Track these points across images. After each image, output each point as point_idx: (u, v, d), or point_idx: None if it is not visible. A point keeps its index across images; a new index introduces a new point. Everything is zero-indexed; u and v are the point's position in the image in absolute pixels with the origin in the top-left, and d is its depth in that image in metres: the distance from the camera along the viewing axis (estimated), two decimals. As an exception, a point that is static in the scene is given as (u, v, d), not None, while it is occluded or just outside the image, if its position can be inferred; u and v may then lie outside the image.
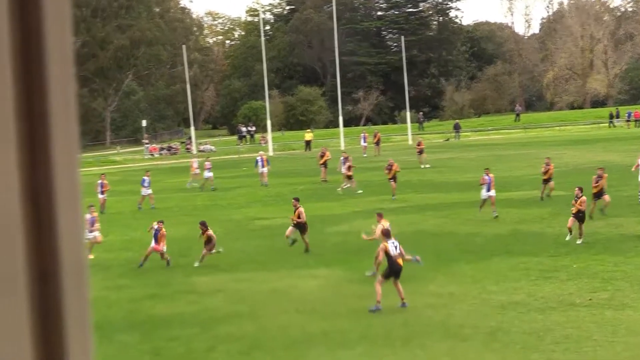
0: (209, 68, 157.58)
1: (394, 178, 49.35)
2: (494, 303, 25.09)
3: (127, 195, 57.63)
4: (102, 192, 50.43)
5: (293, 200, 36.81)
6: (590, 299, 24.89)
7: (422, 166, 66.76)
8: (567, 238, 33.17)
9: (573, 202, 33.44)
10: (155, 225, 33.81)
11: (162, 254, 33.41)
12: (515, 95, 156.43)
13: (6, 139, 1.27)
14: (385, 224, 29.31)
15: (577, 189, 33.85)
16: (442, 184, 53.84)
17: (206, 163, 61.40)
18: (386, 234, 25.99)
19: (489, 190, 40.94)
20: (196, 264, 32.55)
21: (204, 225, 33.80)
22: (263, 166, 61.36)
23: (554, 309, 24.11)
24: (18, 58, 1.29)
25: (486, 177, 41.49)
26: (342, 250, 34.59)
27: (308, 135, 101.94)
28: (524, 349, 20.53)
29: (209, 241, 33.32)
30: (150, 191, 52.37)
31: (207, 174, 60.70)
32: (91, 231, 35.44)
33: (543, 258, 30.87)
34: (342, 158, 56.78)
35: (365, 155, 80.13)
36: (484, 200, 40.95)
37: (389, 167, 49.58)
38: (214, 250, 33.31)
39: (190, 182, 63.67)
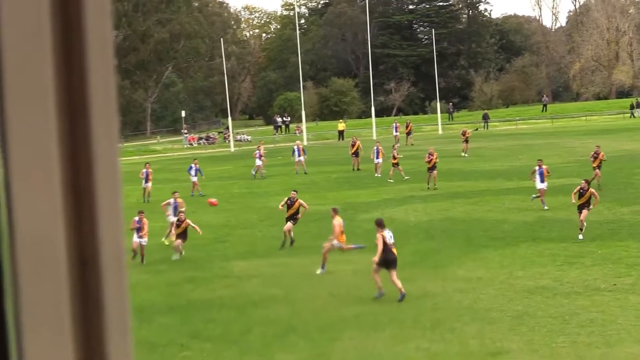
0: (245, 60, 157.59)
1: (433, 168, 48.47)
2: (521, 288, 25.02)
3: (166, 183, 57.81)
4: (147, 181, 50.48)
5: (292, 193, 35.57)
6: (614, 284, 24.78)
7: (463, 154, 66.41)
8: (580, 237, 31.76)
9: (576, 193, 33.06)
10: (137, 218, 32.37)
11: (141, 249, 32.18)
12: (543, 86, 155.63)
13: (48, 130, 1.28)
14: (339, 220, 29.11)
15: (583, 181, 33.26)
16: (470, 173, 53.67)
17: (256, 152, 61.20)
18: (380, 224, 25.66)
19: (542, 181, 39.68)
20: (175, 257, 32.13)
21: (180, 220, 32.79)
22: (300, 155, 61.07)
23: (579, 293, 24.02)
24: (59, 51, 1.30)
25: (537, 169, 40.32)
26: (374, 236, 34.53)
27: (341, 126, 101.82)
28: (550, 332, 20.47)
29: (183, 233, 32.53)
30: (196, 179, 52.34)
31: (258, 161, 60.31)
32: (176, 215, 34.91)
33: (569, 244, 30.74)
34: (375, 148, 56.64)
35: (397, 145, 79.89)
36: (541, 191, 39.55)
37: (430, 157, 48.59)
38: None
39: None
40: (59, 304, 1.28)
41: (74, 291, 1.30)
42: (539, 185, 39.64)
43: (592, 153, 45.33)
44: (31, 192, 1.27)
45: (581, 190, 32.55)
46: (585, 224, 31.62)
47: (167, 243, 34.30)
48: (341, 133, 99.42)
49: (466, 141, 67.69)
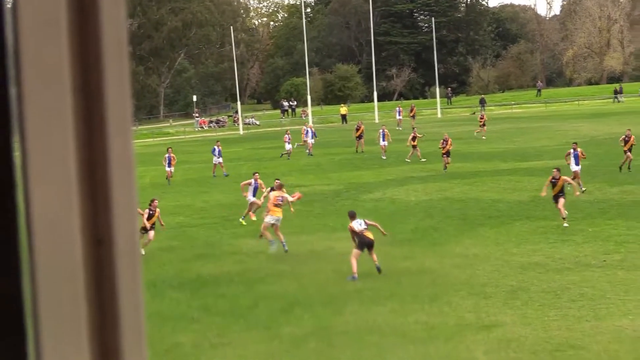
0: (254, 47, 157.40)
1: (447, 153, 47.91)
2: (515, 264, 25.06)
3: (179, 164, 57.83)
4: (170, 165, 49.92)
5: (276, 181, 32.00)
6: (604, 261, 24.81)
7: (477, 135, 66.20)
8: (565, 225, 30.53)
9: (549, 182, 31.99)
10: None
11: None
12: (537, 72, 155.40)
13: (64, 114, 1.27)
14: (275, 194, 29.38)
15: (555, 170, 32.00)
16: (468, 154, 53.62)
17: (285, 136, 60.75)
18: (351, 216, 26.03)
19: (577, 164, 38.08)
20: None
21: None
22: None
23: (570, 269, 24.05)
24: (75, 37, 1.29)
25: (572, 152, 38.76)
26: (375, 215, 34.55)
27: (343, 110, 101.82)
28: (542, 306, 20.50)
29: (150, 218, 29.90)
30: (221, 159, 52.16)
31: (288, 146, 59.80)
32: (255, 196, 33.84)
33: (561, 222, 30.75)
34: (381, 131, 56.58)
35: (399, 128, 79.40)
36: (575, 173, 37.72)
37: (444, 143, 48.02)
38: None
39: (297, 145, 64.43)
40: (75, 281, 1.28)
41: (88, 269, 1.29)
42: (574, 167, 38.09)
43: (623, 137, 43.79)
44: (48, 173, 1.26)
45: (553, 180, 31.38)
46: (565, 212, 30.48)
47: (244, 223, 33.73)
48: (344, 117, 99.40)
49: (483, 125, 67.19)
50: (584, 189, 36.70)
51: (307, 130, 62.25)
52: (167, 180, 49.37)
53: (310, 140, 60.86)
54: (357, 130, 61.57)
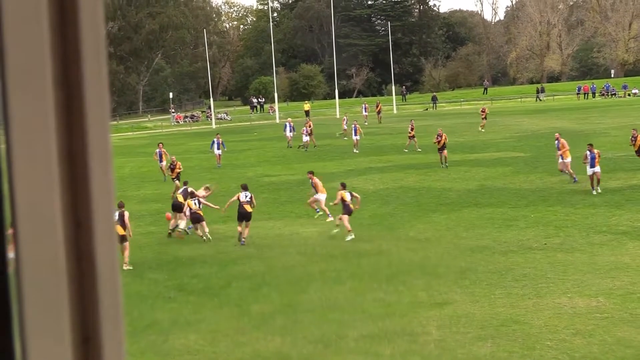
0: (225, 49, 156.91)
1: (443, 147, 44.83)
2: (464, 247, 25.18)
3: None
4: (162, 160, 45.73)
5: (205, 188, 31.10)
6: (545, 244, 24.98)
7: (480, 129, 63.32)
8: None
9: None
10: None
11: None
12: (484, 72, 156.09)
13: (45, 105, 1.25)
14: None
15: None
16: (421, 147, 53.70)
17: (303, 129, 59.37)
18: (244, 187, 28.56)
19: (593, 166, 33.27)
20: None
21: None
22: (290, 131, 59.22)
23: (514, 252, 24.20)
24: (55, 33, 1.27)
25: (589, 153, 33.56)
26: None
27: (306, 106, 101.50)
28: (489, 285, 20.61)
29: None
30: (220, 151, 50.31)
31: (305, 137, 58.11)
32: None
33: (505, 209, 30.94)
34: (353, 126, 55.48)
35: (366, 123, 79.13)
36: (591, 177, 33.61)
37: (439, 138, 45.08)
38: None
39: (340, 134, 64.36)
40: (56, 260, 1.26)
41: (69, 249, 1.28)
42: (589, 170, 33.54)
43: (631, 137, 38.54)
44: (30, 162, 1.25)
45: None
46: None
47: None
48: (307, 112, 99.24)
49: (484, 118, 64.42)
50: (599, 190, 33.25)
51: (287, 125, 61.24)
52: (162, 174, 45.65)
53: (290, 134, 59.90)
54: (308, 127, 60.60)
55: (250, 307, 19.69)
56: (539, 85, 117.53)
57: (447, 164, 44.11)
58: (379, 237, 27.12)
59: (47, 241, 1.25)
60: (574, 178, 35.56)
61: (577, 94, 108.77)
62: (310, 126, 60.06)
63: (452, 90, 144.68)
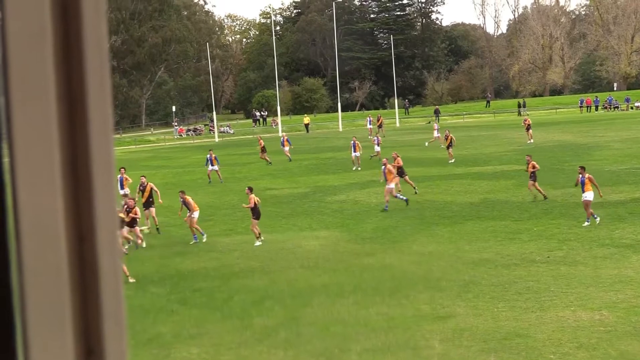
0: (228, 62, 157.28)
1: (450, 146, 51.73)
2: (467, 260, 25.13)
3: (158, 169, 57.63)
4: (212, 164, 49.06)
5: (141, 178, 33.71)
6: (548, 257, 24.93)
7: (529, 141, 61.88)
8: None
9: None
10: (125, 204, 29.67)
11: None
12: (486, 85, 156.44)
13: (49, 118, 1.26)
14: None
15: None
16: (424, 160, 53.71)
17: (374, 139, 58.99)
18: (250, 190, 30.18)
19: (583, 191, 29.81)
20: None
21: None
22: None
23: (517, 265, 24.15)
24: (59, 47, 1.28)
25: (580, 177, 30.04)
26: (340, 215, 34.63)
27: (306, 119, 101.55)
28: (492, 298, 20.58)
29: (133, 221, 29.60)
30: (216, 167, 49.59)
31: (377, 147, 56.68)
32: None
33: (508, 222, 30.90)
34: (352, 142, 53.66)
35: (370, 137, 79.22)
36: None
37: (446, 137, 52.19)
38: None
39: (429, 141, 64.58)
40: (60, 275, 1.26)
41: (72, 264, 1.28)
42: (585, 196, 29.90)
43: None
44: (34, 174, 1.25)
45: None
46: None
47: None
48: (307, 126, 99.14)
49: (528, 128, 63.14)
50: (596, 219, 29.65)
51: (282, 140, 61.28)
52: (219, 179, 48.48)
53: (285, 149, 60.11)
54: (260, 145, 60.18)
55: (253, 320, 19.67)
56: (520, 100, 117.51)
57: (452, 160, 50.50)
58: (381, 251, 27.09)
59: (51, 255, 1.25)
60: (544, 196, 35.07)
61: (580, 107, 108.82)
62: (261, 144, 59.70)
63: (455, 103, 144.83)
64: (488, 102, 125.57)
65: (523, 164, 44.01)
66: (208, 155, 50.59)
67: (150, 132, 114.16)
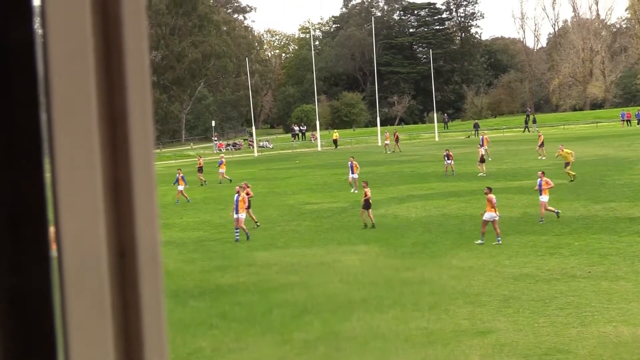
0: (267, 77, 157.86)
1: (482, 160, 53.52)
2: (507, 275, 24.99)
3: (197, 184, 57.89)
4: (353, 172, 49.59)
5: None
6: (589, 272, 24.73)
7: (540, 157, 61.68)
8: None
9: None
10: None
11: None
12: (526, 99, 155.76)
13: (90, 135, 1.26)
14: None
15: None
16: (463, 174, 53.51)
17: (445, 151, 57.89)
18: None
19: (540, 193, 34.03)
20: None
21: None
22: (353, 172, 50.22)
23: (558, 280, 23.98)
24: (100, 66, 1.28)
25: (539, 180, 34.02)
26: (379, 229, 34.57)
27: (335, 135, 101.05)
28: (532, 313, 20.43)
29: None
30: (181, 187, 48.42)
31: (447, 161, 54.46)
32: None
33: (549, 237, 30.68)
34: (349, 163, 50.90)
35: (389, 152, 79.56)
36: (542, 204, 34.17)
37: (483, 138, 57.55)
38: None
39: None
40: (101, 290, 1.27)
41: (113, 281, 1.28)
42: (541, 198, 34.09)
43: None
44: (75, 191, 1.25)
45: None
46: None
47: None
48: (335, 142, 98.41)
49: (541, 145, 63.09)
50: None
51: (349, 165, 54.61)
52: (177, 198, 48.02)
53: (354, 176, 50.47)
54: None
55: (292, 334, 19.66)
56: (531, 115, 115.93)
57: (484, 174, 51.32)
58: (421, 265, 26.99)
59: (92, 272, 1.26)
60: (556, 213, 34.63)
61: (621, 120, 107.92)
62: (200, 163, 60.46)
63: (494, 117, 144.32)
64: (528, 116, 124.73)
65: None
66: (177, 175, 49.07)
67: (190, 147, 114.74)
